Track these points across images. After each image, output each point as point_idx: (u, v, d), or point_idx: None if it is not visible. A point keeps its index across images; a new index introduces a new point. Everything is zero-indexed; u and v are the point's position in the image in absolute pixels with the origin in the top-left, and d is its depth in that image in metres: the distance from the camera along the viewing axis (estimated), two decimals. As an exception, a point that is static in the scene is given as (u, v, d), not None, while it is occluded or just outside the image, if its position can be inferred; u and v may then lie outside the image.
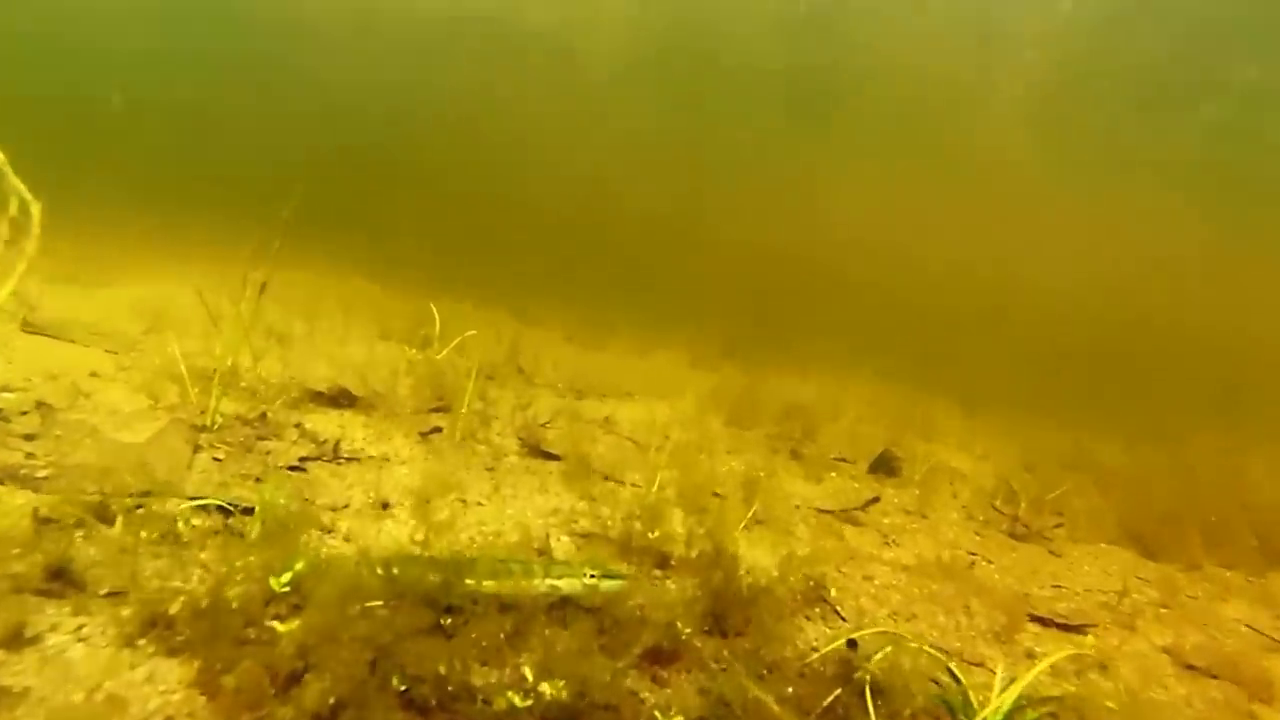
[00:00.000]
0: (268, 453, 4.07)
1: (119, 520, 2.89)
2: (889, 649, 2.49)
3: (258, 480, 3.66)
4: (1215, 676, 3.15)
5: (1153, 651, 3.36)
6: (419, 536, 3.12)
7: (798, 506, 4.89)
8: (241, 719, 1.90)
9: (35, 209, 2.72)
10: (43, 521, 2.71)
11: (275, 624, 2.20)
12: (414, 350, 7.44)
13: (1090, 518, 5.83)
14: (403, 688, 2.08)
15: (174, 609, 2.29)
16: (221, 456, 3.94)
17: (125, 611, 2.26)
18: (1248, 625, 3.97)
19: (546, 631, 2.41)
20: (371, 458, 4.24)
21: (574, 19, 25.23)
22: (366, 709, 1.95)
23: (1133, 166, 27.02)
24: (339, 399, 5.20)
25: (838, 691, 2.33)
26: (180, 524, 2.94)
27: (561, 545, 3.45)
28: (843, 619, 3.15)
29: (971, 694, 2.40)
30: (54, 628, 2.14)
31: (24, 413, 3.95)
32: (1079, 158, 28.27)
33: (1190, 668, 3.19)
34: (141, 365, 5.34)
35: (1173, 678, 3.09)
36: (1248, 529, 5.65)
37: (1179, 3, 20.10)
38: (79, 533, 2.74)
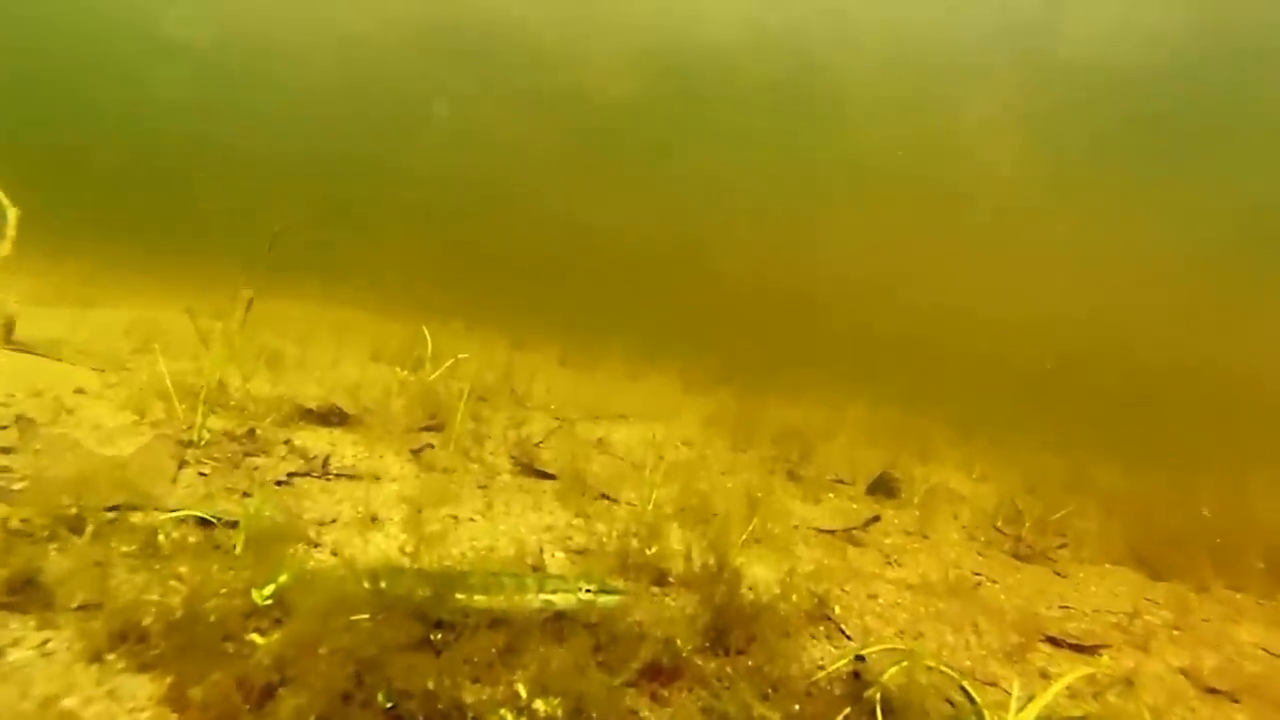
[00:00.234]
0: (255, 468, 3.95)
1: (94, 533, 2.77)
2: (899, 667, 2.38)
3: (244, 495, 3.55)
4: (1237, 700, 3.04)
5: (1170, 673, 3.24)
6: (409, 550, 3.01)
7: (797, 526, 4.78)
8: (214, 737, 1.78)
9: (12, 214, 2.66)
10: (13, 533, 2.59)
11: (255, 637, 2.08)
12: (406, 371, 7.35)
13: (1094, 539, 5.73)
14: (389, 704, 1.96)
15: (148, 622, 2.17)
16: (207, 471, 3.82)
17: (95, 625, 2.14)
18: (1264, 649, 3.86)
19: (540, 647, 2.29)
20: (362, 474, 4.13)
21: (572, 48, 25.66)
22: (349, 727, 1.84)
23: (1126, 197, 27.44)
24: (329, 416, 5.10)
25: (847, 710, 2.21)
26: (161, 537, 2.82)
27: (556, 561, 3.33)
28: (848, 638, 3.03)
29: (987, 713, 2.29)
30: (15, 642, 2.02)
31: (3, 427, 3.83)
32: (1075, 190, 28.70)
33: (1212, 690, 3.07)
34: (128, 383, 5.23)
35: (1196, 700, 2.97)
36: (1254, 551, 5.55)
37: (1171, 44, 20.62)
38: (52, 545, 2.62)
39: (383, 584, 2.35)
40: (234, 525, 2.90)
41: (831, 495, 5.93)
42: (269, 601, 2.38)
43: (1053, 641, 3.40)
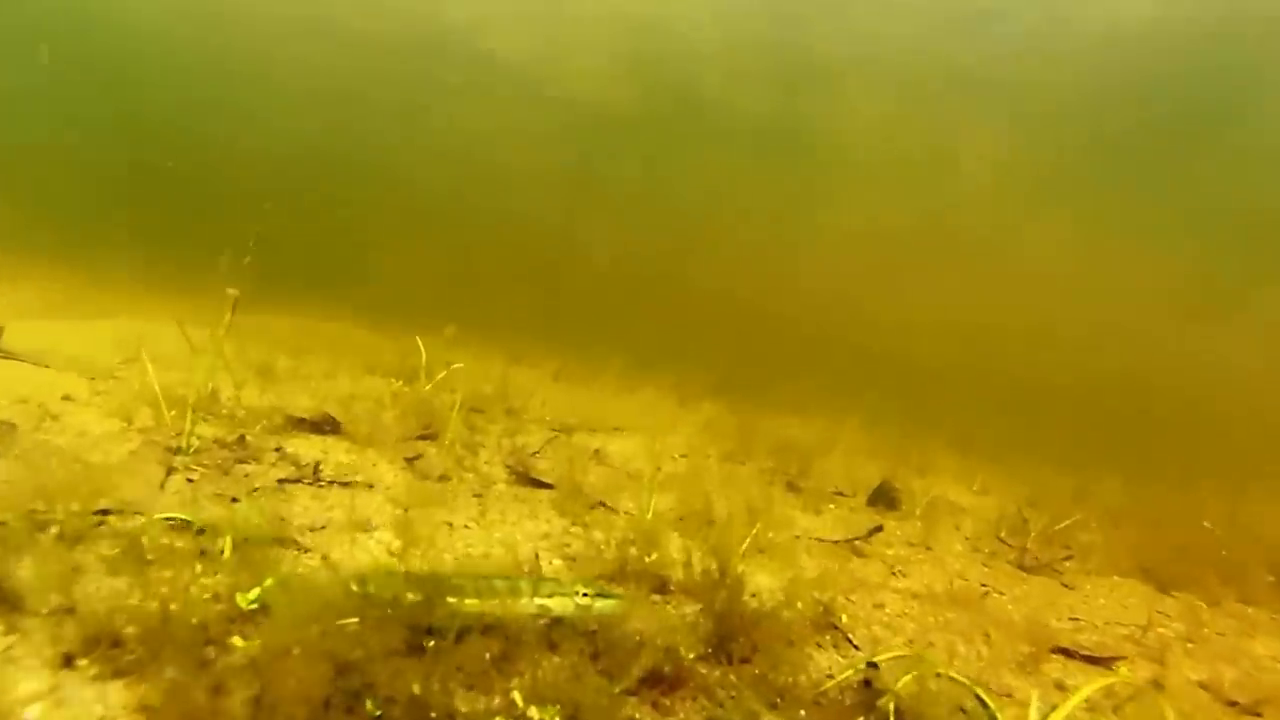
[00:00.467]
0: (245, 475, 3.85)
1: (75, 537, 2.67)
2: (911, 675, 2.28)
3: (233, 501, 3.44)
4: (1259, 714, 2.93)
5: (1190, 686, 3.14)
6: (400, 556, 2.90)
7: (798, 536, 4.68)
8: (189, 746, 1.67)
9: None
10: (-13, 537, 2.48)
11: (237, 641, 1.98)
12: (400, 382, 7.25)
13: (1099, 551, 5.63)
14: (377, 713, 1.86)
15: (125, 628, 2.07)
16: (195, 478, 3.72)
17: (68, 630, 2.04)
18: None
19: (536, 654, 2.19)
20: (353, 481, 4.02)
21: (564, 68, 25.83)
22: (333, 735, 1.73)
23: (1121, 212, 27.58)
24: (321, 425, 5.00)
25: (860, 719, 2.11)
26: (144, 541, 2.71)
27: (553, 569, 3.23)
28: (855, 647, 2.93)
29: (1004, 723, 2.19)
30: (-18, 646, 1.91)
31: (-16, 432, 3.73)
32: (1071, 207, 28.84)
33: (1233, 704, 2.96)
34: (117, 390, 5.13)
35: (1219, 712, 2.87)
36: (1262, 565, 5.46)
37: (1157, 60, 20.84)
38: (29, 550, 2.51)
39: (371, 588, 2.25)
40: (221, 532, 2.79)
41: (832, 506, 5.83)
42: (254, 606, 2.28)
43: (1065, 653, 3.29)
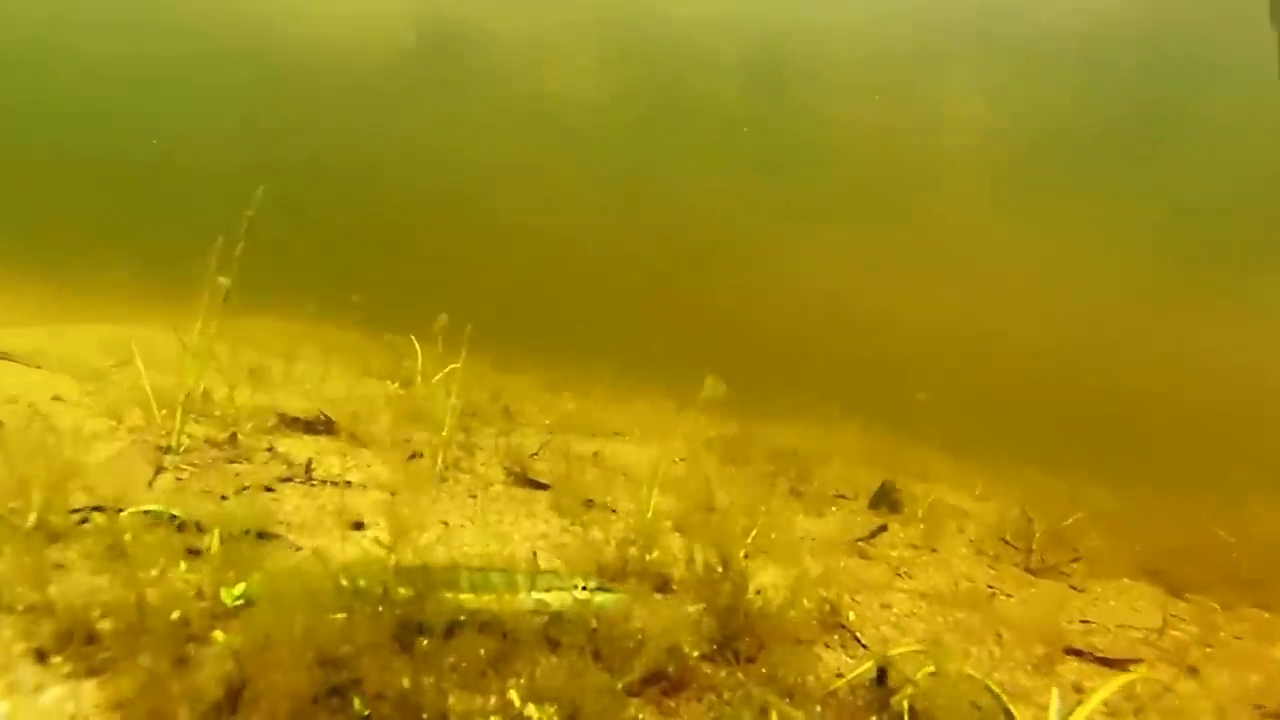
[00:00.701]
0: (236, 474, 3.76)
1: (56, 534, 2.58)
2: (925, 672, 2.19)
3: (222, 498, 3.35)
4: (1284, 718, 2.84)
5: (1211, 690, 3.04)
6: (393, 552, 2.80)
7: (801, 537, 4.59)
8: (167, 746, 1.57)
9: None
10: (-36, 532, 2.39)
11: (219, 637, 1.89)
12: (396, 385, 7.16)
13: (1106, 555, 5.54)
14: (365, 711, 1.76)
15: (102, 624, 1.98)
16: (185, 476, 3.62)
17: (43, 627, 1.94)
18: (1300, 667, 3.65)
19: (534, 651, 2.10)
20: (346, 481, 3.93)
21: (557, 72, 25.84)
22: (319, 734, 1.64)
23: (1112, 218, 27.63)
24: (314, 425, 4.91)
25: (873, 719, 2.02)
26: (128, 538, 2.61)
27: (551, 567, 3.13)
28: (864, 646, 2.84)
29: (1022, 723, 2.10)
30: (-46, 643, 1.82)
31: (-31, 429, 3.63)
32: (1059, 214, 28.90)
33: (1259, 708, 2.87)
34: (107, 391, 5.03)
35: (1249, 717, 2.77)
36: (1273, 569, 5.37)
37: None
38: (6, 547, 2.42)
39: (361, 583, 2.15)
40: (208, 529, 2.70)
41: (834, 509, 5.74)
42: (240, 602, 2.19)
43: (1079, 654, 3.20)
